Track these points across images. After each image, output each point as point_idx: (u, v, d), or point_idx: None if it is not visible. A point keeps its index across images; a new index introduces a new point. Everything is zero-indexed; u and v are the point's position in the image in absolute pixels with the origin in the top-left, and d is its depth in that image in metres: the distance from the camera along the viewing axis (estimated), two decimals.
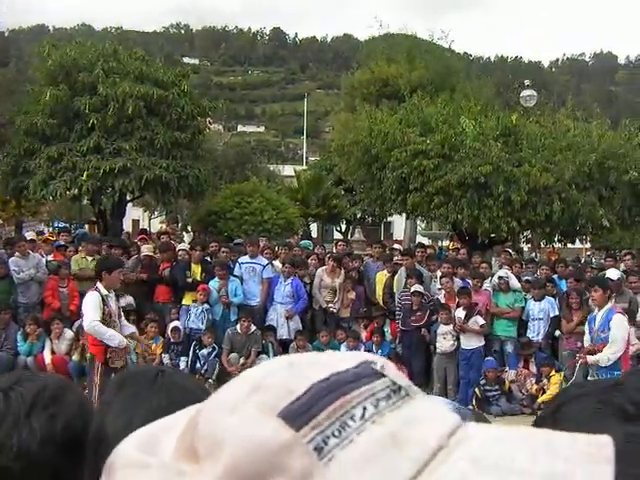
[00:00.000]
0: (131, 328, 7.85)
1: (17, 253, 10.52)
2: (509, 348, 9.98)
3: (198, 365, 10.07)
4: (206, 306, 10.46)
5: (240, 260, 11.14)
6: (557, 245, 16.97)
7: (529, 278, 10.85)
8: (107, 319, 6.87)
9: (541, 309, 10.00)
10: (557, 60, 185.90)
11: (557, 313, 9.92)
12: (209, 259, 11.46)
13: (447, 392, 9.40)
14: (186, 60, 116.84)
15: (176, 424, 0.50)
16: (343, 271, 11.00)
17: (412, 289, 9.89)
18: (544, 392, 9.07)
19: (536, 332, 9.99)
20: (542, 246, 19.92)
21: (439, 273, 10.59)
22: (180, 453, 0.47)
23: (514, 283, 10.27)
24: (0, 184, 17.05)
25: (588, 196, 13.64)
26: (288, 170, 40.93)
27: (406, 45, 28.26)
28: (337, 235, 30.62)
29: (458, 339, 9.62)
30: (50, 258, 11.37)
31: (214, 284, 10.61)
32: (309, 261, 11.57)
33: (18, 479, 1.03)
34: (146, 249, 11.45)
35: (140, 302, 10.61)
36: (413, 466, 0.42)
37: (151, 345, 8.57)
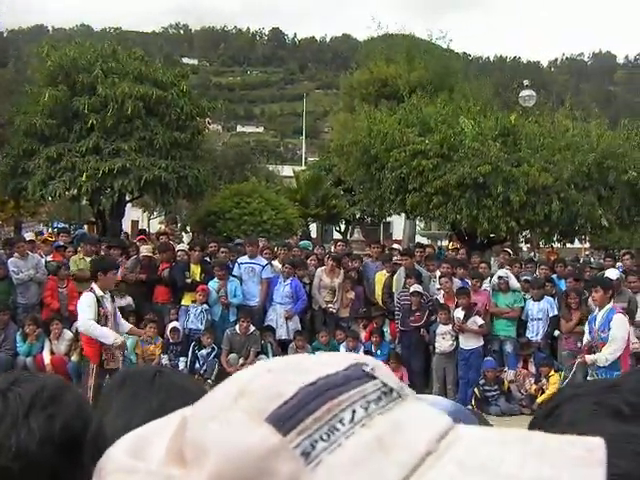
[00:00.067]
0: (128, 325, 7.86)
1: (16, 254, 10.51)
2: (508, 348, 9.98)
3: (197, 365, 10.07)
4: (205, 306, 10.46)
5: (239, 260, 11.14)
6: (556, 245, 16.98)
7: (528, 278, 10.84)
8: (102, 320, 6.87)
9: (540, 309, 10.00)
10: (556, 60, 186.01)
11: (556, 313, 9.92)
12: (208, 259, 11.45)
13: (446, 392, 9.40)
14: (185, 60, 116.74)
15: (167, 427, 0.49)
16: (342, 271, 11.00)
17: (411, 289, 9.88)
18: (543, 392, 9.06)
19: (535, 332, 9.98)
20: (541, 246, 19.93)
21: (438, 273, 10.59)
22: (170, 457, 0.47)
23: (514, 283, 10.27)
24: None
25: (587, 196, 13.65)
26: (287, 170, 40.91)
27: (405, 45, 28.26)
28: (336, 235, 30.59)
29: (457, 339, 9.62)
30: (49, 259, 11.36)
31: (213, 284, 10.61)
32: (308, 261, 11.56)
33: (17, 479, 1.03)
34: (145, 250, 11.45)
35: (139, 303, 10.61)
36: (400, 471, 0.41)
37: (152, 336, 8.52)
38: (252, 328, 10.16)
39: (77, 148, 15.61)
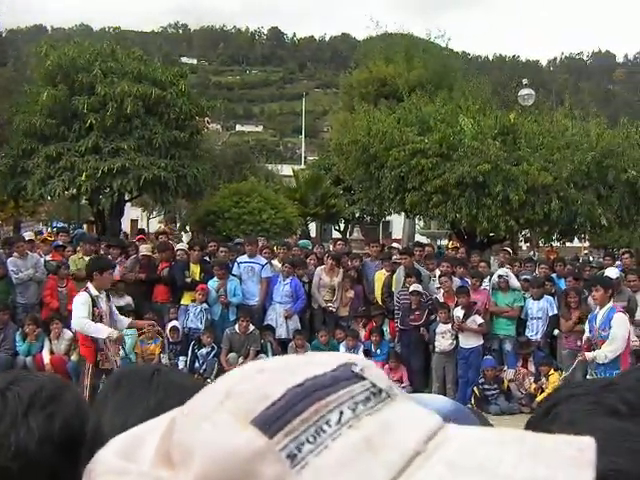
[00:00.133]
0: (127, 320, 7.84)
1: (15, 253, 10.51)
2: (508, 347, 9.98)
3: (197, 365, 10.07)
4: (205, 306, 10.46)
5: (239, 260, 11.14)
6: (555, 244, 16.99)
7: (528, 277, 10.84)
8: (97, 320, 6.85)
9: (540, 308, 10.00)
10: (555, 59, 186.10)
11: (556, 312, 9.92)
12: (208, 259, 11.45)
13: (446, 391, 9.40)
14: (184, 60, 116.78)
15: (158, 428, 0.49)
16: (342, 270, 11.00)
17: (411, 288, 9.88)
18: (543, 391, 9.06)
19: (535, 331, 9.98)
20: (540, 245, 19.94)
21: (438, 272, 10.58)
22: (158, 459, 0.47)
23: (514, 282, 10.27)
24: None
25: (586, 195, 13.65)
26: (286, 170, 40.90)
27: (404, 44, 28.26)
28: (336, 234, 30.62)
29: (457, 338, 9.61)
30: (48, 258, 11.36)
31: (213, 284, 10.61)
32: (308, 261, 11.56)
33: (16, 479, 1.03)
34: (144, 249, 11.45)
35: (139, 302, 10.60)
36: (388, 472, 0.41)
37: (153, 324, 8.49)
38: (252, 327, 10.16)
39: (76, 148, 15.61)
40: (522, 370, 9.57)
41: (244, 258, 11.11)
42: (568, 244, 17.38)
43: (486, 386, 9.27)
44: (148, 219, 38.51)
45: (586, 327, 8.02)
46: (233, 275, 10.83)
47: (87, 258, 10.64)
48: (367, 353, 10.18)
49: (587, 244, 27.31)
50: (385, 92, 25.16)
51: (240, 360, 9.97)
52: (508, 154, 13.68)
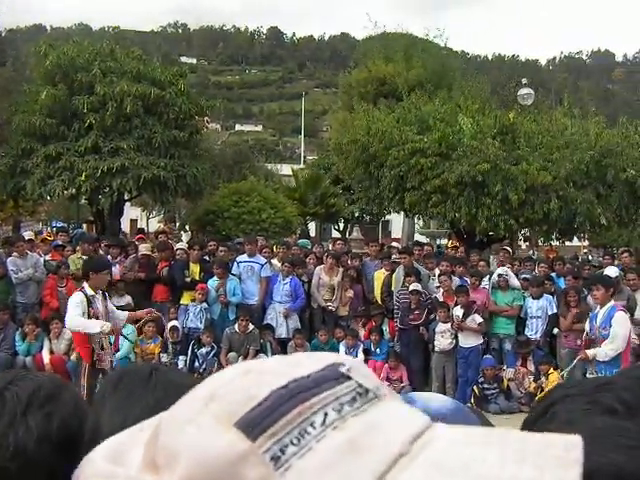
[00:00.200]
0: (125, 314, 7.81)
1: (15, 253, 10.51)
2: (508, 346, 9.98)
3: (197, 364, 10.06)
4: (204, 305, 10.46)
5: (238, 259, 11.13)
6: (555, 243, 16.99)
7: (527, 276, 10.85)
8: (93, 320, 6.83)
9: (539, 307, 10.00)
10: (554, 58, 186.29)
11: (555, 311, 9.92)
12: (207, 258, 11.45)
13: (446, 390, 9.40)
14: (184, 59, 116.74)
15: (146, 432, 0.49)
16: (341, 269, 11.01)
17: (410, 287, 9.88)
18: (542, 390, 9.05)
19: (534, 330, 9.99)
20: (540, 244, 19.94)
21: (437, 271, 10.59)
22: (146, 463, 0.46)
23: (513, 281, 10.27)
24: None
25: (586, 194, 13.64)
26: (286, 169, 40.94)
27: (402, 44, 28.25)
28: (335, 234, 30.64)
29: (456, 337, 9.62)
30: (48, 258, 11.36)
31: (212, 283, 10.60)
32: (307, 260, 11.56)
33: (15, 479, 1.03)
34: (144, 248, 11.45)
35: (138, 301, 10.57)
36: (371, 474, 0.41)
37: (151, 311, 8.42)
38: (251, 327, 10.16)
39: (76, 147, 15.60)
40: (522, 369, 9.57)
41: (243, 257, 11.10)
42: (567, 243, 17.38)
43: (486, 385, 9.27)
44: (148, 219, 38.53)
45: (586, 326, 8.03)
46: (232, 274, 10.83)
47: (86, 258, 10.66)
48: (367, 352, 10.19)
49: (586, 243, 27.32)
50: (384, 91, 25.17)
51: (240, 359, 9.97)
52: (507, 153, 13.68)
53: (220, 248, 11.69)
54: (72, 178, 15.46)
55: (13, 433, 1.04)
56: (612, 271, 10.00)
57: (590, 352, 7.55)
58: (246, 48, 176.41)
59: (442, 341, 9.65)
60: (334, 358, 0.49)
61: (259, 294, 10.83)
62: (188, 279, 10.74)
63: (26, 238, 11.82)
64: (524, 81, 20.67)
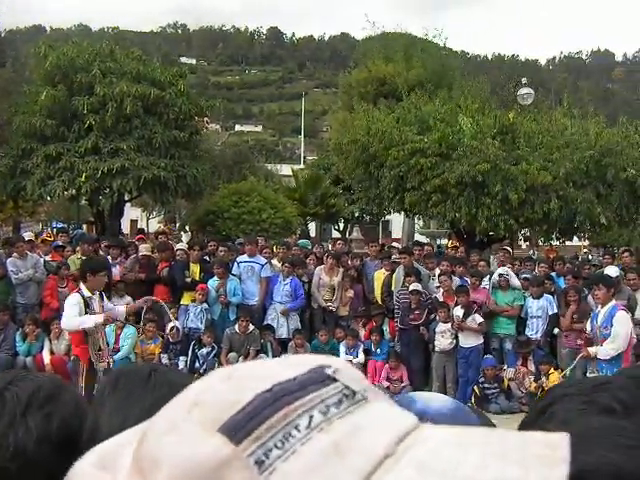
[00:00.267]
0: (123, 308, 7.78)
1: (15, 254, 10.51)
2: (508, 346, 9.98)
3: (197, 364, 10.06)
4: (205, 305, 10.46)
5: (238, 259, 11.13)
6: (555, 243, 16.99)
7: (527, 276, 10.85)
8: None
9: (540, 307, 10.00)
10: (554, 58, 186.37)
11: (556, 311, 9.92)
12: (207, 259, 11.45)
13: (446, 390, 9.40)
14: (183, 60, 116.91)
15: (135, 438, 0.49)
16: (341, 269, 11.01)
17: (410, 287, 9.87)
18: (543, 390, 9.05)
19: (535, 330, 9.98)
20: (540, 244, 19.95)
21: (437, 271, 10.58)
22: (134, 470, 0.46)
23: (514, 281, 10.26)
24: None
25: (586, 194, 13.64)
26: (286, 169, 40.96)
27: (402, 44, 28.25)
28: (335, 234, 30.65)
29: (457, 337, 9.61)
30: (48, 258, 11.36)
31: (213, 283, 10.60)
32: (307, 260, 11.56)
33: (15, 479, 1.03)
34: (144, 249, 11.44)
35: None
36: (356, 476, 0.41)
37: (148, 299, 8.37)
38: (251, 327, 10.16)
39: (76, 148, 15.61)
40: (522, 369, 9.56)
41: (244, 258, 11.11)
42: (567, 243, 17.39)
43: (486, 385, 9.27)
44: (148, 219, 38.55)
45: (587, 326, 8.04)
46: (233, 275, 10.83)
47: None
48: (367, 352, 10.19)
49: (586, 243, 27.33)
50: (384, 91, 25.16)
51: (240, 360, 9.97)
52: (507, 153, 13.68)
53: (220, 248, 11.69)
54: (72, 179, 15.47)
55: (13, 433, 1.04)
56: (612, 271, 9.99)
57: (592, 349, 7.57)
58: (246, 48, 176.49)
59: (442, 341, 9.65)
60: (320, 360, 0.49)
61: (259, 294, 10.83)
62: (188, 279, 10.74)
63: (26, 239, 11.82)
64: (524, 81, 20.68)
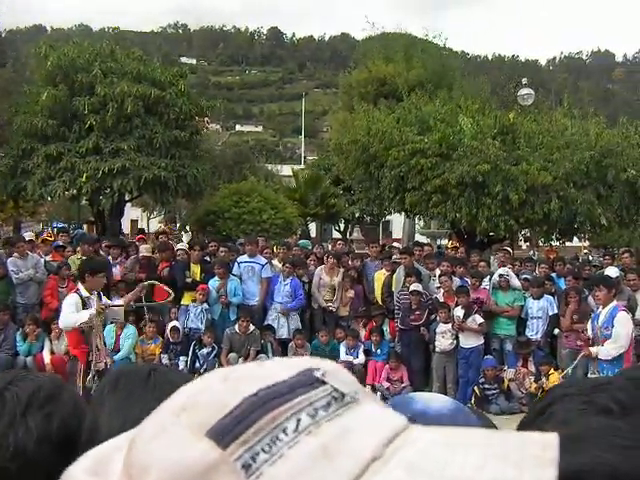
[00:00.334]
0: (120, 301, 7.75)
1: (15, 254, 10.51)
2: (508, 347, 9.98)
3: (197, 365, 10.06)
4: (205, 306, 10.46)
5: (239, 259, 11.13)
6: (555, 243, 16.98)
7: (528, 276, 10.85)
8: (87, 322, 6.80)
9: (540, 307, 10.00)
10: (554, 58, 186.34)
11: (556, 311, 9.92)
12: (208, 259, 11.45)
13: (446, 391, 9.40)
14: (184, 60, 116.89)
15: (126, 443, 0.49)
16: (342, 270, 11.01)
17: (411, 288, 9.88)
18: (543, 391, 9.05)
19: (535, 330, 9.98)
20: (540, 244, 19.94)
21: (438, 272, 10.58)
22: (124, 475, 0.46)
23: (514, 282, 10.26)
24: None
25: (586, 194, 13.63)
26: (286, 170, 40.94)
27: (402, 44, 28.24)
28: (336, 234, 30.63)
29: (457, 338, 9.61)
30: (48, 259, 11.36)
31: (213, 284, 10.60)
32: (308, 261, 11.57)
33: (15, 479, 1.03)
34: (144, 249, 11.44)
35: (139, 302, 10.58)
36: (344, 479, 0.41)
37: (143, 286, 8.30)
38: (252, 327, 10.16)
39: (77, 148, 15.61)
40: (522, 370, 9.57)
41: (244, 258, 11.11)
42: (568, 243, 17.37)
43: (486, 386, 9.27)
44: (148, 219, 38.54)
45: (588, 326, 8.04)
46: (233, 275, 10.82)
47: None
48: (367, 353, 10.20)
49: (587, 243, 27.32)
50: (384, 92, 25.14)
51: (240, 360, 9.97)
52: (508, 154, 13.67)
53: (221, 248, 11.69)
54: (73, 179, 15.47)
55: (13, 433, 1.04)
56: (612, 271, 10.00)
57: (593, 349, 7.56)
58: (246, 48, 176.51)
59: (443, 341, 9.65)
60: (309, 363, 0.49)
61: (260, 295, 10.83)
62: (189, 280, 10.74)
63: (27, 239, 11.83)
64: (524, 81, 20.66)
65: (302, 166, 43.83)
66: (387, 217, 26.97)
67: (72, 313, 6.72)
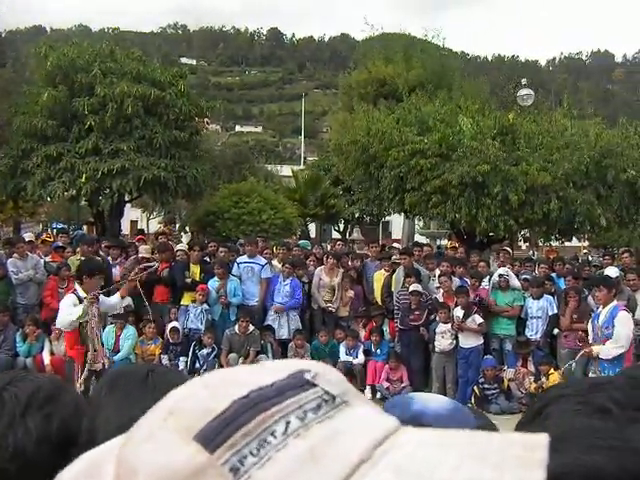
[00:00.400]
0: (117, 295, 7.71)
1: (15, 254, 10.51)
2: (508, 346, 9.98)
3: (197, 365, 10.06)
4: (205, 306, 10.45)
5: (238, 260, 11.13)
6: (555, 243, 16.98)
7: (527, 276, 10.85)
8: (85, 322, 6.80)
9: (539, 307, 10.00)
10: (554, 59, 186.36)
11: (555, 311, 9.92)
12: (208, 259, 11.44)
13: (446, 391, 9.40)
14: (184, 60, 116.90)
15: (116, 449, 0.49)
16: (341, 270, 11.01)
17: (410, 288, 9.87)
18: (543, 391, 9.03)
19: (535, 330, 9.98)
20: (540, 244, 19.93)
21: (437, 272, 10.58)
22: (115, 478, 0.46)
23: (514, 282, 10.27)
24: None
25: (586, 194, 13.64)
26: (286, 170, 40.95)
27: (401, 44, 28.23)
28: (335, 235, 30.63)
29: (457, 338, 9.62)
30: (48, 259, 11.36)
31: (213, 284, 10.60)
32: (307, 261, 11.56)
33: None
34: (144, 250, 11.43)
35: (138, 302, 10.57)
36: None
37: (139, 275, 8.23)
38: (251, 328, 10.15)
39: (76, 149, 15.62)
40: (522, 369, 9.57)
41: (244, 258, 11.10)
42: (567, 244, 17.37)
43: (486, 385, 9.27)
44: (148, 220, 38.51)
45: (589, 326, 8.04)
46: (233, 275, 10.82)
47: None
48: (367, 353, 10.19)
49: (586, 243, 27.33)
50: (384, 92, 25.14)
51: (240, 361, 9.97)
52: (507, 154, 13.67)
53: (220, 249, 11.69)
54: (72, 179, 15.48)
55: (12, 434, 1.04)
56: (612, 271, 10.00)
57: (595, 348, 7.56)
58: (246, 49, 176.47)
59: (442, 342, 9.65)
60: (300, 365, 0.49)
61: (259, 295, 10.82)
62: (188, 280, 10.74)
63: (26, 239, 11.82)
64: (524, 82, 20.66)
65: (302, 166, 43.85)
66: (387, 217, 26.94)
67: (69, 314, 6.73)
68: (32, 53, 18.30)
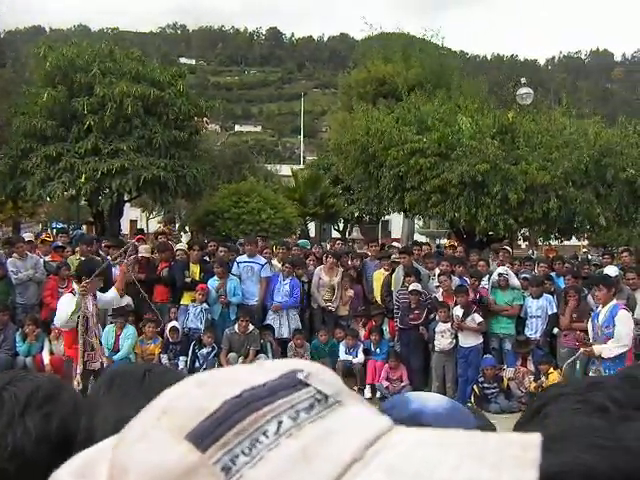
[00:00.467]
0: (113, 290, 7.68)
1: (15, 254, 10.51)
2: (508, 346, 9.98)
3: (197, 365, 10.05)
4: (205, 306, 10.45)
5: (238, 259, 11.13)
6: (554, 242, 16.99)
7: (527, 275, 10.85)
8: (83, 321, 6.79)
9: (539, 306, 10.00)
10: (553, 58, 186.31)
11: (555, 310, 9.92)
12: (207, 259, 11.44)
13: (446, 390, 9.40)
14: (183, 60, 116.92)
15: (111, 447, 0.49)
16: (341, 269, 11.01)
17: (410, 287, 9.88)
18: (543, 390, 9.03)
19: (534, 330, 9.98)
20: (539, 243, 19.94)
21: (437, 271, 10.58)
22: (108, 478, 0.47)
23: (514, 281, 10.26)
24: None
25: (585, 193, 13.64)
26: (285, 170, 40.95)
27: (400, 44, 28.23)
28: (335, 234, 30.64)
29: (456, 337, 9.62)
30: (48, 259, 11.36)
31: (213, 283, 10.60)
32: (307, 261, 11.56)
33: (13, 479, 1.03)
34: (144, 250, 11.43)
35: (138, 302, 10.58)
36: None
37: (124, 261, 8.17)
38: (251, 327, 10.15)
39: (76, 149, 15.62)
40: (522, 369, 9.57)
41: (243, 258, 11.10)
42: (567, 242, 17.37)
43: (486, 385, 9.27)
44: (147, 219, 38.50)
45: (589, 325, 8.04)
46: (233, 275, 10.82)
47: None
48: (367, 352, 10.19)
49: (586, 242, 27.33)
50: (384, 91, 25.15)
51: (240, 360, 9.97)
52: (506, 153, 13.68)
53: (220, 248, 11.68)
54: (72, 179, 15.47)
55: (11, 434, 1.04)
56: (612, 270, 10.00)
57: (596, 348, 7.55)
58: (245, 49, 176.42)
59: (442, 341, 9.65)
60: (293, 365, 0.49)
61: (259, 294, 10.82)
62: (188, 279, 10.74)
63: (26, 239, 11.82)
64: (523, 81, 20.66)
65: (301, 166, 43.82)
66: (386, 217, 26.93)
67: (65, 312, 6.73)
68: (31, 53, 18.30)
